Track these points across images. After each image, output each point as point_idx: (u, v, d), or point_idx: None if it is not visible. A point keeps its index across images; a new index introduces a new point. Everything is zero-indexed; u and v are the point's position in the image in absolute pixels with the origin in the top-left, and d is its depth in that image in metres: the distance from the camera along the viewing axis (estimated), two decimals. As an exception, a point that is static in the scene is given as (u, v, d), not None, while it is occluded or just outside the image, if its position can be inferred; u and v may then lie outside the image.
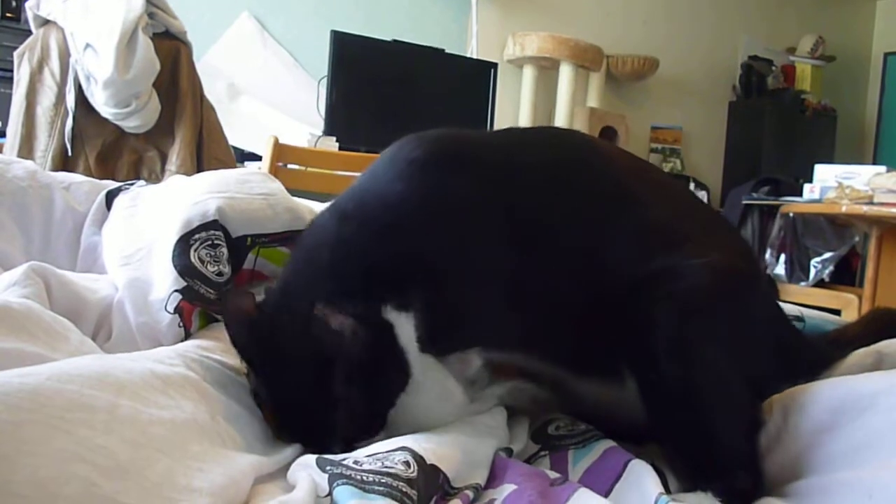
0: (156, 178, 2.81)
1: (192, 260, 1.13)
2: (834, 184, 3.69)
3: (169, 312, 1.10)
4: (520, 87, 4.81)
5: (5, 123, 2.82)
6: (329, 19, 4.20)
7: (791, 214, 4.31)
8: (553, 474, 0.96)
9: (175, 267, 1.13)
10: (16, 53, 2.78)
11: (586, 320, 0.99)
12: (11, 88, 2.78)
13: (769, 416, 1.05)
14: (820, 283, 4.33)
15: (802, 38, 5.78)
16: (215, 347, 1.04)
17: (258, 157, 3.37)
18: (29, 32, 2.87)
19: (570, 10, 5.17)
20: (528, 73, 4.83)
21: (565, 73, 4.73)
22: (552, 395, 1.13)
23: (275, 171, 2.81)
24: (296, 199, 1.32)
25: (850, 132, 5.68)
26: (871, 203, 3.44)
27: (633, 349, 0.99)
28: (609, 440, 1.03)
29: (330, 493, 0.74)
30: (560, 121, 4.66)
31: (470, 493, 0.86)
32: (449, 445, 0.89)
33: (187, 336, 1.12)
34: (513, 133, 1.25)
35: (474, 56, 4.70)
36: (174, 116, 2.91)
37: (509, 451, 1.01)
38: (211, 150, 3.03)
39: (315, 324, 0.87)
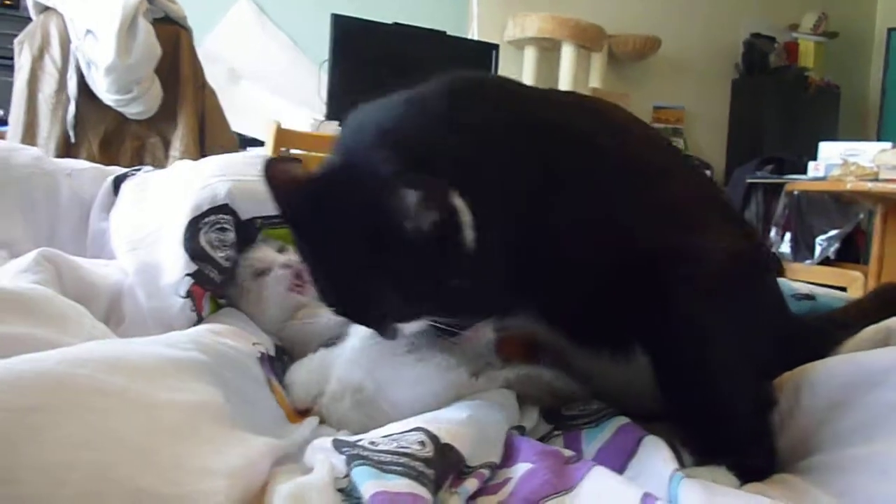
0: (159, 164, 2.80)
1: (202, 243, 1.13)
2: (839, 161, 3.68)
3: (181, 297, 1.10)
4: (521, 69, 4.78)
5: (7, 112, 2.82)
6: (328, 3, 4.17)
7: (795, 192, 4.29)
8: (567, 452, 0.96)
9: (186, 251, 1.12)
10: (16, 41, 2.78)
11: (602, 292, 0.98)
12: (12, 76, 2.78)
13: (782, 395, 1.06)
14: (825, 261, 4.32)
15: (805, 15, 5.73)
16: (227, 332, 1.04)
17: (260, 143, 3.36)
18: (28, 20, 2.86)
19: (571, -10, 5.14)
20: (530, 54, 4.81)
21: (567, 53, 4.70)
22: (564, 384, 1.13)
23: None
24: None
25: (853, 108, 5.65)
26: (877, 180, 3.42)
27: (646, 325, 0.99)
28: (622, 417, 1.03)
29: (348, 474, 0.74)
30: (562, 102, 4.62)
31: (486, 472, 0.86)
32: (462, 424, 0.89)
33: (199, 320, 1.12)
34: (553, 93, 1.21)
35: (475, 38, 4.67)
36: (176, 102, 2.90)
37: (521, 429, 1.02)
38: (213, 136, 3.02)
39: (386, 192, 0.83)
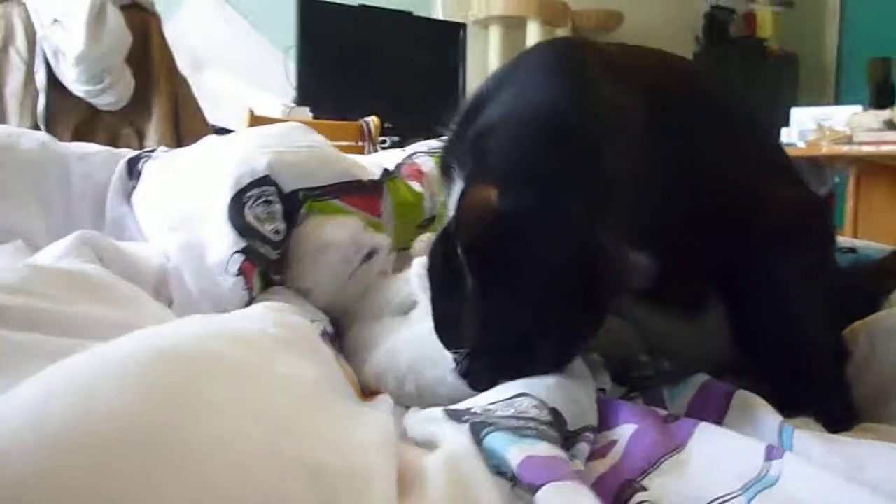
0: (135, 157, 2.69)
1: (249, 219, 1.06)
2: (812, 126, 3.71)
3: (232, 275, 1.03)
4: (487, 48, 4.74)
5: (-28, 109, 2.68)
6: (291, -13, 4.07)
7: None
8: (661, 412, 0.92)
9: (233, 227, 1.06)
10: (-24, 35, 2.64)
11: (689, 242, 0.95)
12: (-25, 73, 2.64)
13: (854, 346, 1.05)
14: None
15: (762, -15, 5.80)
16: (288, 310, 0.98)
17: (229, 132, 3.26)
18: (-13, 13, 2.72)
19: (532, -33, 5.10)
20: (495, 32, 4.75)
21: (532, 30, 4.67)
22: (632, 336, 1.10)
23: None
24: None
25: (811, 76, 5.73)
26: (851, 143, 3.46)
27: (729, 272, 0.97)
28: (702, 374, 1.00)
29: (479, 442, 0.69)
30: (530, 79, 4.59)
31: (590, 435, 0.82)
32: (557, 388, 0.85)
33: (251, 300, 1.05)
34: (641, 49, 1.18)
35: (441, 18, 4.62)
36: (149, 91, 2.79)
37: (603, 392, 0.98)
38: (187, 124, 2.91)
39: (601, 255, 0.80)
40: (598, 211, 0.84)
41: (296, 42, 3.80)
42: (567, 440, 0.79)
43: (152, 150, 1.39)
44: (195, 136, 2.84)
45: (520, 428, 0.71)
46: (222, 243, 1.05)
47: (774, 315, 0.96)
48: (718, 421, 0.91)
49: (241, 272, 1.03)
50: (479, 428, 0.71)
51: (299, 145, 1.19)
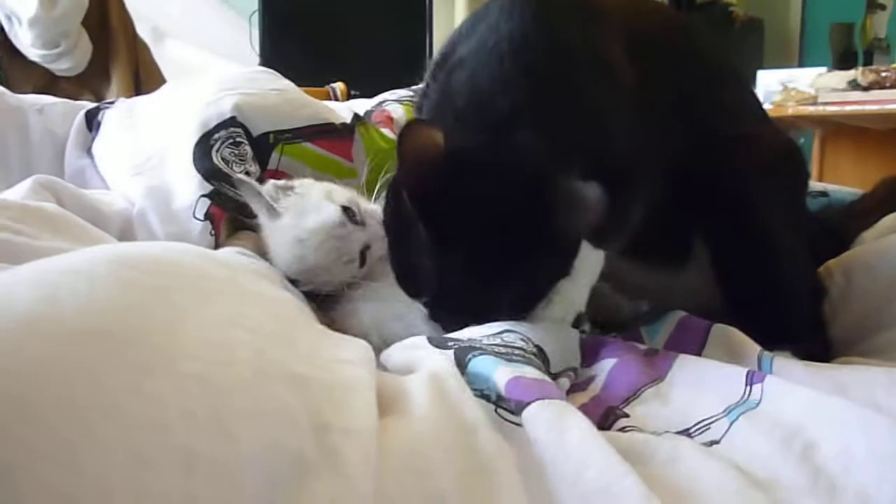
0: (94, 123, 2.62)
1: (216, 161, 1.03)
2: (778, 88, 3.73)
3: (199, 219, 1.00)
4: (453, 13, 4.69)
5: (-78, 77, 2.59)
6: (251, -50, 3.98)
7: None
8: (641, 346, 0.92)
9: (198, 171, 1.02)
10: (-76, 0, 2.55)
11: (672, 191, 0.94)
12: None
13: (830, 282, 1.05)
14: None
15: (724, -49, 5.80)
16: (254, 255, 0.96)
17: (194, 100, 3.20)
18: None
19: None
20: (461, -4, 4.71)
21: (498, -5, 4.63)
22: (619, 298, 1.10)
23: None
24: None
25: (776, 40, 5.75)
26: (816, 104, 3.49)
27: (711, 214, 0.97)
28: (678, 311, 1.00)
29: (462, 366, 0.67)
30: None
31: (572, 374, 0.82)
32: (542, 329, 0.83)
33: (217, 245, 1.02)
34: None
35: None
36: (107, 56, 2.72)
37: (583, 333, 0.97)
38: (149, 91, 2.85)
39: (556, 192, 0.76)
40: (560, 149, 0.81)
41: (258, 8, 3.72)
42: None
43: (111, 102, 1.35)
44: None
45: (507, 353, 0.70)
46: (188, 187, 1.02)
47: (754, 252, 0.96)
48: (698, 353, 0.91)
49: (208, 217, 1.00)
50: (464, 353, 0.69)
51: (266, 88, 1.15)
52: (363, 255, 0.94)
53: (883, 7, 4.15)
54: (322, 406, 0.47)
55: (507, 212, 0.78)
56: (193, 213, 1.01)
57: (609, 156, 0.85)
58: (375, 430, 0.48)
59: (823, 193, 1.42)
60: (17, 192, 0.94)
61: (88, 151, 1.27)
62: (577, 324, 0.93)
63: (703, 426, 0.69)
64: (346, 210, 0.93)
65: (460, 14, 4.65)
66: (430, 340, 0.76)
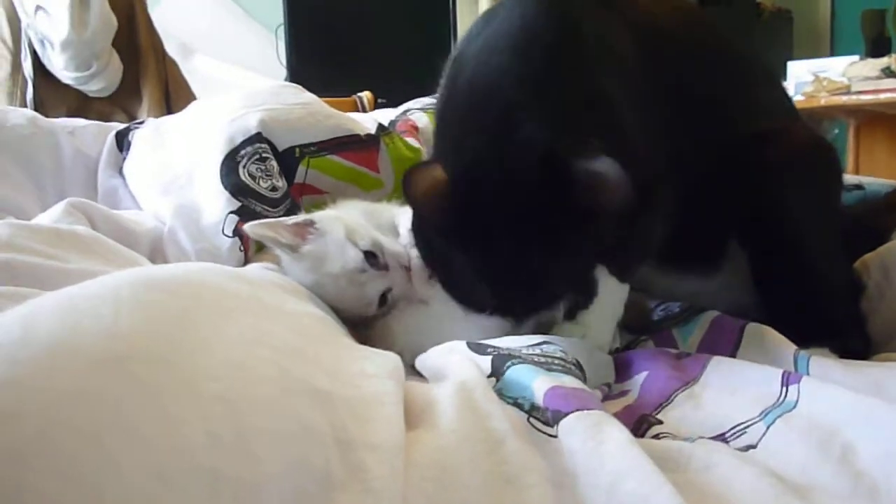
0: (127, 142, 2.66)
1: (242, 178, 1.04)
2: (809, 78, 3.67)
3: (228, 236, 1.01)
4: (477, 17, 4.69)
5: (-42, 100, 2.65)
6: (275, -36, 4.01)
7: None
8: (673, 351, 0.91)
9: (226, 187, 1.03)
10: (-40, 27, 2.60)
11: (704, 192, 0.92)
12: (-40, 66, 2.61)
13: (867, 278, 1.03)
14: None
15: (751, -58, 5.73)
16: (280, 269, 0.96)
17: (226, 115, 3.23)
18: (-31, 3, 2.68)
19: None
20: (485, 3, 4.71)
21: None
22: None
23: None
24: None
25: (806, 30, 5.67)
26: (849, 93, 3.43)
27: (746, 215, 0.95)
28: (712, 311, 0.98)
29: (500, 373, 0.67)
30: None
31: (606, 388, 0.81)
32: (578, 346, 0.83)
33: (246, 261, 1.03)
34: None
35: (429, -15, 4.56)
36: (138, 75, 2.75)
37: (615, 350, 0.96)
38: (180, 108, 2.88)
39: (571, 171, 0.74)
40: (568, 129, 0.80)
41: (284, 21, 3.75)
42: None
43: (141, 122, 1.37)
44: (188, 119, 2.82)
45: (546, 363, 0.70)
46: (216, 204, 1.03)
47: (789, 250, 0.94)
48: (732, 354, 0.89)
49: (236, 233, 1.01)
50: (502, 360, 0.69)
51: (290, 103, 1.16)
52: (384, 296, 0.92)
53: (916, -10, 4.07)
54: (347, 422, 0.46)
55: (528, 202, 0.78)
56: (222, 230, 1.02)
57: (623, 143, 0.82)
58: (402, 444, 0.47)
59: (859, 186, 1.40)
60: (51, 216, 0.95)
61: (120, 171, 1.29)
62: None
63: (740, 430, 0.68)
64: (369, 255, 0.90)
65: (485, 8, 4.63)
66: (469, 345, 0.75)
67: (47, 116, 2.50)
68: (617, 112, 0.85)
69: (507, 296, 0.83)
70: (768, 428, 0.66)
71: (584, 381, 0.74)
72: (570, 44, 0.86)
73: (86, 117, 2.66)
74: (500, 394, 0.64)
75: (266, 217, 1.02)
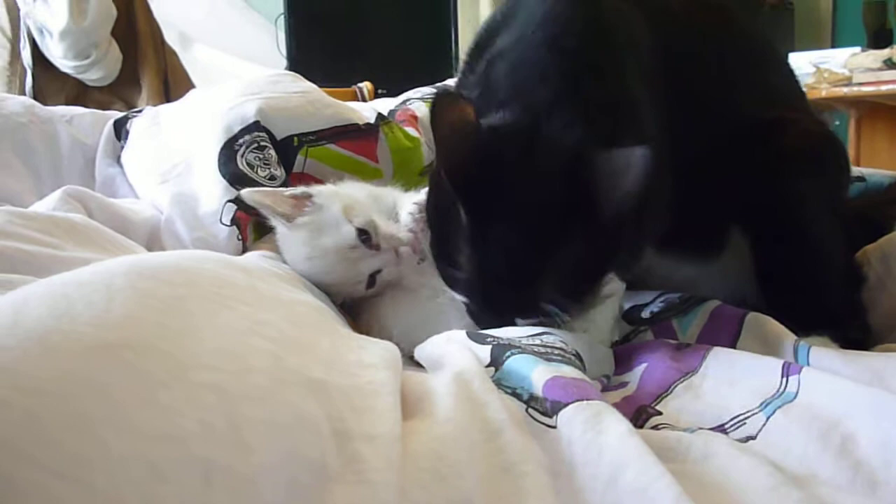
0: (126, 131, 2.65)
1: (241, 166, 1.03)
2: (810, 69, 3.65)
3: (226, 225, 1.00)
4: (478, 9, 4.67)
5: (-44, 89, 2.64)
6: (275, -46, 4.00)
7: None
8: (672, 342, 0.90)
9: (223, 176, 1.03)
10: (-42, 16, 2.59)
11: (711, 178, 0.92)
12: (-42, 54, 2.60)
13: (868, 269, 1.03)
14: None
15: (752, -66, 5.70)
16: (279, 258, 0.96)
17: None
18: (-33, -8, 2.67)
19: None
20: (486, -9, 4.69)
21: (523, -12, 4.60)
22: None
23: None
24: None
25: (807, 21, 5.65)
26: (850, 84, 3.42)
27: (751, 201, 0.95)
28: (712, 301, 0.98)
29: (499, 363, 0.67)
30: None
31: (605, 379, 0.81)
32: (578, 338, 0.82)
33: (244, 250, 1.02)
34: None
35: (430, -23, 4.55)
36: (137, 64, 2.74)
37: (615, 344, 0.96)
38: (179, 97, 2.87)
39: (594, 165, 0.72)
40: (598, 129, 0.79)
41: (284, 11, 3.74)
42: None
43: (139, 111, 1.36)
44: (187, 108, 2.81)
45: (546, 353, 0.69)
46: (214, 193, 1.02)
47: (797, 234, 0.94)
48: (732, 345, 0.89)
49: (234, 222, 1.01)
50: (502, 350, 0.69)
51: (289, 91, 1.15)
52: (373, 277, 0.92)
53: (918, -18, 4.06)
54: (343, 412, 0.46)
55: (546, 191, 0.76)
56: (220, 219, 1.01)
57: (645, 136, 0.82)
58: (398, 435, 0.47)
59: (860, 178, 1.39)
60: (48, 204, 0.95)
61: (118, 160, 1.28)
62: None
63: (739, 421, 0.68)
64: (362, 233, 0.91)
65: (485, 10, 4.63)
66: (469, 335, 0.75)
67: (46, 105, 2.52)
68: (643, 110, 0.85)
69: (488, 280, 0.79)
70: (768, 419, 0.66)
71: (584, 372, 0.74)
72: (602, 39, 0.86)
73: (84, 106, 2.66)
74: (499, 383, 0.63)
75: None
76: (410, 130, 1.30)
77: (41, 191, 1.22)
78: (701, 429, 0.65)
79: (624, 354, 0.88)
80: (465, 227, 0.77)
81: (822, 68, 3.57)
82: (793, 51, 4.46)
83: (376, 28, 3.98)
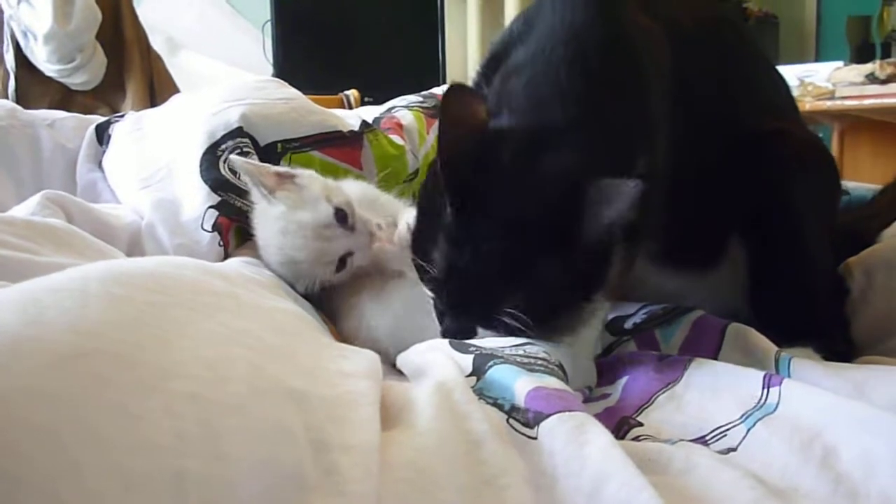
0: (109, 136, 2.63)
1: (223, 172, 1.02)
2: (794, 83, 3.68)
3: (207, 231, 1.00)
4: (465, 15, 4.68)
5: (-62, 91, 2.61)
6: (263, -39, 3.99)
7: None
8: (654, 353, 0.90)
9: (206, 182, 1.02)
10: (-60, 17, 2.57)
11: (709, 189, 0.93)
12: (-60, 56, 2.57)
13: (850, 281, 1.04)
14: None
15: (738, -52, 5.75)
16: (261, 263, 0.95)
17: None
18: (-49, -7, 2.65)
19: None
20: (473, 2, 4.70)
21: (510, -1, 4.62)
22: None
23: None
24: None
25: (791, 35, 5.70)
26: (833, 98, 3.45)
27: (747, 211, 0.96)
28: (695, 310, 0.98)
29: (481, 373, 0.66)
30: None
31: (587, 391, 0.81)
32: (561, 350, 0.81)
33: (226, 255, 1.02)
34: None
35: (417, -14, 4.56)
36: (122, 69, 2.73)
37: (598, 356, 0.96)
38: (164, 101, 2.86)
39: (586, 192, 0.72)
40: (605, 158, 0.78)
41: (271, 18, 3.74)
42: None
43: (122, 115, 1.35)
44: (172, 114, 2.79)
45: (528, 364, 0.69)
46: (196, 199, 1.01)
47: (790, 241, 0.95)
48: (714, 355, 0.89)
49: (216, 228, 1.00)
50: (484, 360, 0.68)
51: (274, 98, 1.15)
52: (343, 260, 0.93)
53: (900, -2, 4.10)
54: (322, 422, 0.45)
55: (533, 207, 0.76)
56: (202, 225, 1.00)
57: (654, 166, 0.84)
58: (377, 445, 0.46)
59: (844, 192, 1.40)
60: (27, 208, 0.94)
61: (99, 165, 1.27)
62: None
63: (720, 433, 0.68)
64: (339, 212, 0.92)
65: (472, 20, 4.64)
66: (451, 343, 0.74)
67: (29, 109, 2.50)
68: (659, 131, 0.86)
69: (456, 277, 0.78)
70: (749, 431, 0.66)
71: (567, 383, 0.74)
72: (623, 58, 0.86)
73: (68, 110, 2.63)
74: (481, 393, 0.63)
75: (246, 211, 1.00)
76: (395, 138, 1.30)
77: (22, 195, 1.20)
78: (682, 440, 0.65)
79: (607, 366, 0.88)
80: (448, 223, 0.77)
81: (806, 82, 3.60)
82: (777, 64, 4.51)
83: (363, 35, 3.98)
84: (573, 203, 0.73)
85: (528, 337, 0.77)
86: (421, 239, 0.82)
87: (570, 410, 0.58)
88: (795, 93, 3.55)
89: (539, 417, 0.58)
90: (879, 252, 1.05)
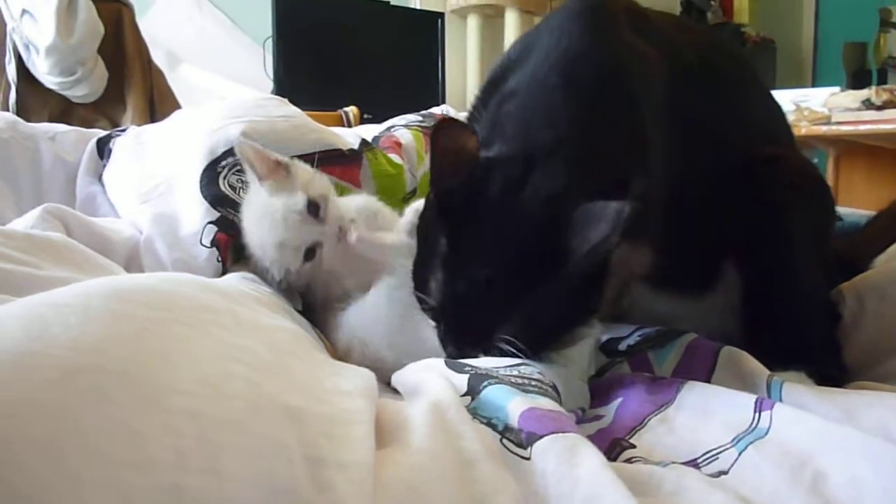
0: (109, 149, 2.64)
1: (223, 188, 1.04)
2: (791, 107, 3.71)
3: (206, 246, 1.00)
4: (465, 37, 4.71)
5: (-59, 102, 2.62)
6: (266, -22, 4.02)
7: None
8: (648, 375, 0.91)
9: (205, 198, 1.03)
10: (-55, 28, 2.58)
11: (705, 214, 0.94)
12: (-56, 66, 2.59)
13: (842, 307, 1.04)
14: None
15: (737, -28, 5.80)
16: (259, 279, 0.96)
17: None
18: (-44, 4, 2.67)
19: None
20: (473, 21, 4.72)
21: (511, 19, 4.63)
22: None
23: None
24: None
25: (788, 61, 5.74)
26: (829, 123, 3.47)
27: (741, 236, 0.96)
28: (688, 333, 0.98)
29: (475, 393, 0.67)
30: (509, 69, 4.55)
31: (580, 412, 0.81)
32: (554, 371, 0.82)
33: (224, 272, 1.02)
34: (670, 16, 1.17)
35: (418, 7, 4.59)
36: (123, 82, 2.74)
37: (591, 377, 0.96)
38: (164, 116, 2.86)
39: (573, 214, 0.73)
40: (593, 182, 0.79)
41: (272, 34, 3.75)
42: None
43: (123, 129, 1.36)
44: (172, 128, 2.80)
45: (523, 384, 0.70)
46: (195, 214, 1.02)
47: (786, 266, 0.96)
48: (707, 378, 0.90)
49: (214, 243, 1.01)
50: (479, 380, 0.69)
51: (274, 115, 1.16)
52: (312, 250, 0.96)
53: (896, 26, 4.14)
54: (317, 440, 0.46)
55: (523, 233, 0.77)
56: (200, 240, 1.01)
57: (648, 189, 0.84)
58: (371, 464, 0.47)
59: (838, 218, 1.41)
60: (26, 221, 0.94)
61: (100, 179, 1.28)
62: None
63: (712, 456, 0.68)
64: (311, 203, 0.96)
65: (472, 39, 4.67)
66: (446, 363, 0.75)
67: (30, 121, 2.50)
68: (651, 155, 0.86)
69: (454, 305, 0.80)
70: (740, 454, 0.66)
71: (560, 404, 0.74)
72: (615, 85, 0.88)
73: (69, 123, 2.65)
74: (475, 413, 0.63)
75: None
76: (394, 157, 1.31)
77: (21, 207, 1.21)
78: (674, 463, 0.66)
79: (600, 387, 0.88)
80: (443, 252, 0.78)
81: (802, 106, 3.62)
82: (774, 88, 4.53)
83: (364, 53, 4.00)
84: (559, 227, 0.74)
85: (523, 359, 0.78)
86: (420, 269, 0.84)
87: (563, 431, 0.59)
88: (791, 117, 3.59)
89: (532, 438, 0.58)
90: (871, 278, 1.06)
